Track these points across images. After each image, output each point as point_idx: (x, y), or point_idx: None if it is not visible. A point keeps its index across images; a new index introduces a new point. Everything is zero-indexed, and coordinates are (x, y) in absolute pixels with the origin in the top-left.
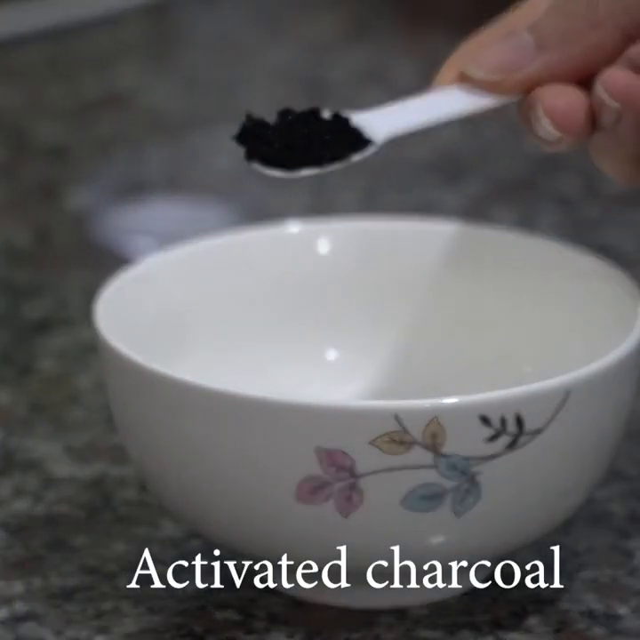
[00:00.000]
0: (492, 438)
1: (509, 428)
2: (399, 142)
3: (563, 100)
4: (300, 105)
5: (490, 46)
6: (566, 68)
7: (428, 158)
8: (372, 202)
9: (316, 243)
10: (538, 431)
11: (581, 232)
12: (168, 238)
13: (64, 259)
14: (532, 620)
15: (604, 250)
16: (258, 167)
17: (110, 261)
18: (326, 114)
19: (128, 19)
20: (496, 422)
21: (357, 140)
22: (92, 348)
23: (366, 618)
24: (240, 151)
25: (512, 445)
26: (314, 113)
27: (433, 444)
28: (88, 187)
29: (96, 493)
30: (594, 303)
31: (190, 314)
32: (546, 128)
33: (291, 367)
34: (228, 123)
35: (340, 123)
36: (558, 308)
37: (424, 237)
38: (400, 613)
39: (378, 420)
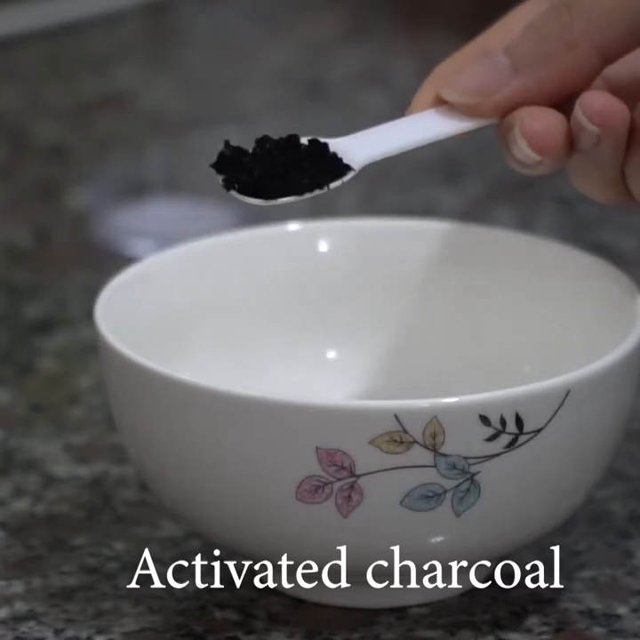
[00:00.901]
0: (492, 438)
1: (509, 428)
2: None
3: (540, 122)
4: (299, 105)
5: (465, 69)
6: (542, 90)
7: (428, 158)
8: (371, 202)
9: (315, 242)
10: (537, 431)
11: (580, 232)
12: (168, 238)
13: (64, 259)
14: (532, 620)
15: (603, 249)
16: (236, 195)
17: (110, 261)
18: (304, 140)
19: (127, 18)
20: (495, 422)
21: (336, 166)
22: (92, 348)
23: (366, 617)
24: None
25: (511, 445)
26: (292, 140)
27: (432, 443)
28: (88, 187)
29: (96, 493)
30: (594, 302)
31: (190, 314)
32: (523, 150)
33: (290, 367)
34: (227, 122)
35: (318, 149)
36: (558, 307)
37: (423, 237)
38: (400, 613)
39: (377, 420)
